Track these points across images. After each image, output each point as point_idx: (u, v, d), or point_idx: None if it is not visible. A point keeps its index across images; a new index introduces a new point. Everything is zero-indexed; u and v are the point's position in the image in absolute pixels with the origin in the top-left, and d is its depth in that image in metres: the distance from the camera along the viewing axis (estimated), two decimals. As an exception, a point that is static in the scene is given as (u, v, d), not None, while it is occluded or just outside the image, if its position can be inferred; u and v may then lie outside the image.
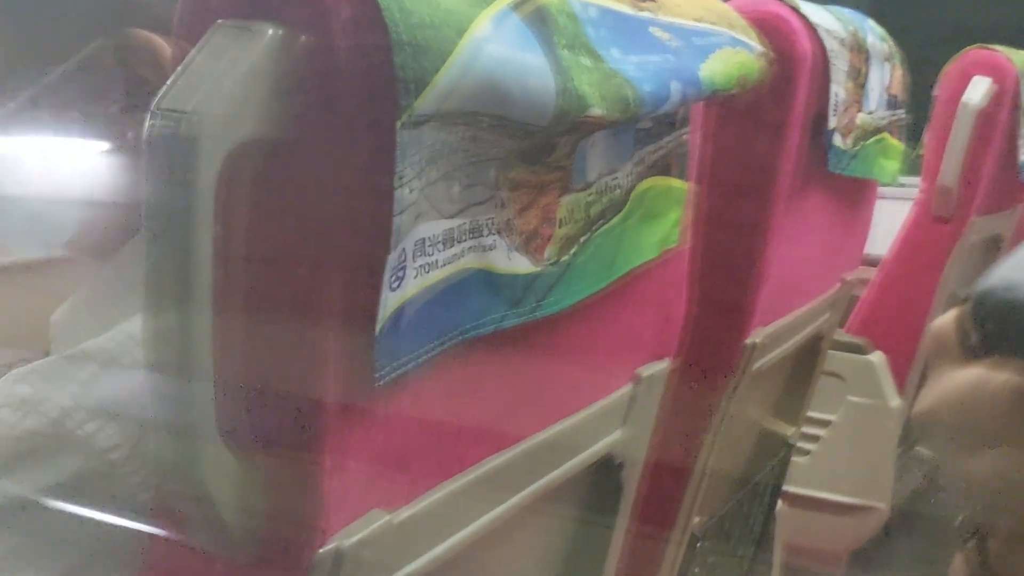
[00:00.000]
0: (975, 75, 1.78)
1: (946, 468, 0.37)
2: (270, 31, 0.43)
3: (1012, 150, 1.84)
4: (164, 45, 0.63)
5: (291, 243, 0.45)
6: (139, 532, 0.52)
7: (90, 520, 0.54)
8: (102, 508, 0.53)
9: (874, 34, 1.11)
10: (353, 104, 0.43)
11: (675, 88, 0.62)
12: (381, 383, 0.47)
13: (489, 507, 0.61)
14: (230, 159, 0.42)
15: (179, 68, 0.42)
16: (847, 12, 1.06)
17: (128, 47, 0.62)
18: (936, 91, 1.83)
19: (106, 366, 0.56)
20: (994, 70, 1.78)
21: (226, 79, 0.42)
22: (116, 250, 0.66)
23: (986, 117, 1.76)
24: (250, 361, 0.45)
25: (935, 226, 1.86)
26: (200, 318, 0.44)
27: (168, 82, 0.42)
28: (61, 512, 0.53)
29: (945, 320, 0.37)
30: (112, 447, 0.53)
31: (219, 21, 0.43)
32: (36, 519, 0.53)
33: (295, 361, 0.45)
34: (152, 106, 0.42)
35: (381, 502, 0.51)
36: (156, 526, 0.50)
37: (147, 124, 0.41)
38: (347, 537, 0.48)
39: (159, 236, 0.43)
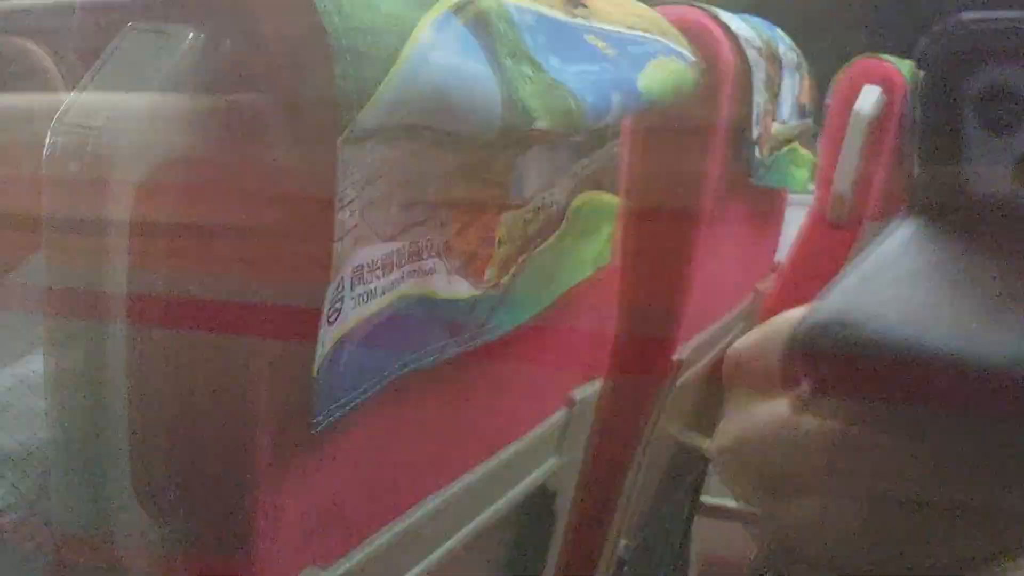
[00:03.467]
0: (865, 84, 1.81)
1: (746, 511, 0.34)
2: (190, 35, 0.38)
3: (902, 156, 1.88)
4: (40, 53, 0.56)
5: (217, 275, 0.39)
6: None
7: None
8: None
9: (784, 43, 1.10)
10: (288, 118, 0.38)
11: (615, 99, 0.59)
12: (319, 429, 0.42)
13: (427, 551, 0.56)
14: (146, 180, 0.37)
15: (85, 77, 0.37)
16: (758, 22, 1.05)
17: None
18: (827, 100, 1.86)
19: None
20: (883, 79, 1.82)
21: (140, 89, 0.37)
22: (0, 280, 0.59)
23: (877, 125, 1.79)
24: (171, 410, 0.40)
25: (830, 232, 1.88)
26: (111, 359, 0.38)
27: (73, 93, 0.37)
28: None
29: (746, 345, 0.33)
30: (3, 509, 0.47)
31: (130, 24, 0.38)
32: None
33: (222, 409, 0.40)
34: (54, 120, 0.36)
35: (316, 558, 0.46)
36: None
37: (48, 141, 0.36)
38: (282, 601, 0.43)
39: (64, 264, 0.37)
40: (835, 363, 0.29)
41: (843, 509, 0.30)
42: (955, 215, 0.34)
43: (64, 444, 0.40)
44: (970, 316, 0.30)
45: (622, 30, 0.65)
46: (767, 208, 1.15)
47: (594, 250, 0.69)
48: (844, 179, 1.82)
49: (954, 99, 0.33)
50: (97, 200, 0.36)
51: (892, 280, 0.32)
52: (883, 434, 0.29)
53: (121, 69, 0.37)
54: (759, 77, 0.92)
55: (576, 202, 0.65)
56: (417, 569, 0.55)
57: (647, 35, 0.67)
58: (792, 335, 0.30)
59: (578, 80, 0.56)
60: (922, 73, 0.34)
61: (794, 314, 0.32)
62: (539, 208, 0.60)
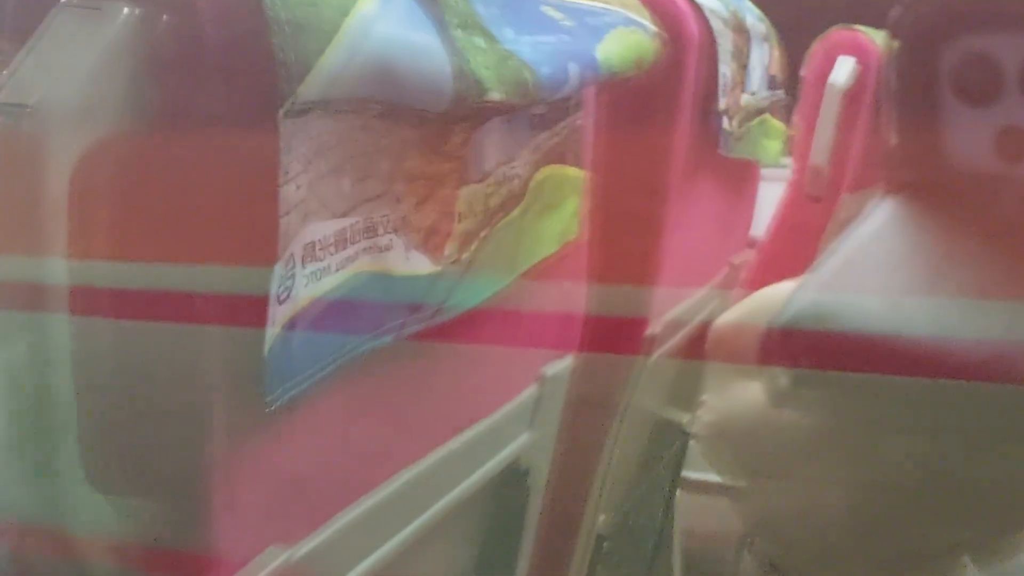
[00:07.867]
0: (839, 55, 1.80)
1: (731, 486, 0.34)
2: (125, 10, 0.37)
3: (877, 127, 1.87)
4: None
5: (161, 256, 0.39)
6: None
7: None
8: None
9: (752, 14, 1.10)
10: (226, 92, 0.38)
11: (573, 70, 0.58)
12: (272, 408, 0.42)
13: (395, 530, 0.56)
14: (84, 160, 0.36)
15: (19, 56, 0.36)
16: (726, -9, 1.05)
17: None
18: (803, 72, 1.86)
19: None
20: (857, 50, 1.81)
21: (75, 67, 0.36)
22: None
23: (852, 97, 1.79)
24: (120, 390, 0.39)
25: (808, 205, 1.88)
26: (56, 345, 0.38)
27: (5, 73, 0.36)
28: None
29: (729, 321, 0.33)
30: None
31: (63, 1, 0.37)
32: None
33: (173, 389, 0.40)
34: (-13, 100, 0.35)
35: (279, 537, 0.46)
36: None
37: (-19, 122, 0.35)
38: (243, 582, 0.43)
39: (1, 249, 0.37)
40: (812, 356, 0.29)
41: (823, 494, 0.30)
42: (935, 191, 0.33)
43: (13, 430, 0.40)
44: (949, 304, 0.29)
45: (580, 1, 0.64)
46: (740, 181, 1.15)
47: (560, 225, 0.69)
48: (820, 151, 1.82)
49: (930, 70, 0.32)
50: (32, 182, 0.35)
51: (871, 266, 0.31)
52: (857, 427, 0.29)
53: (55, 46, 0.36)
54: (725, 48, 0.92)
55: (539, 176, 0.64)
56: (387, 547, 0.55)
57: (607, 6, 0.67)
58: (770, 326, 0.30)
59: (533, 51, 0.55)
60: (896, 43, 0.33)
61: (776, 290, 0.31)
62: (500, 182, 0.59)
